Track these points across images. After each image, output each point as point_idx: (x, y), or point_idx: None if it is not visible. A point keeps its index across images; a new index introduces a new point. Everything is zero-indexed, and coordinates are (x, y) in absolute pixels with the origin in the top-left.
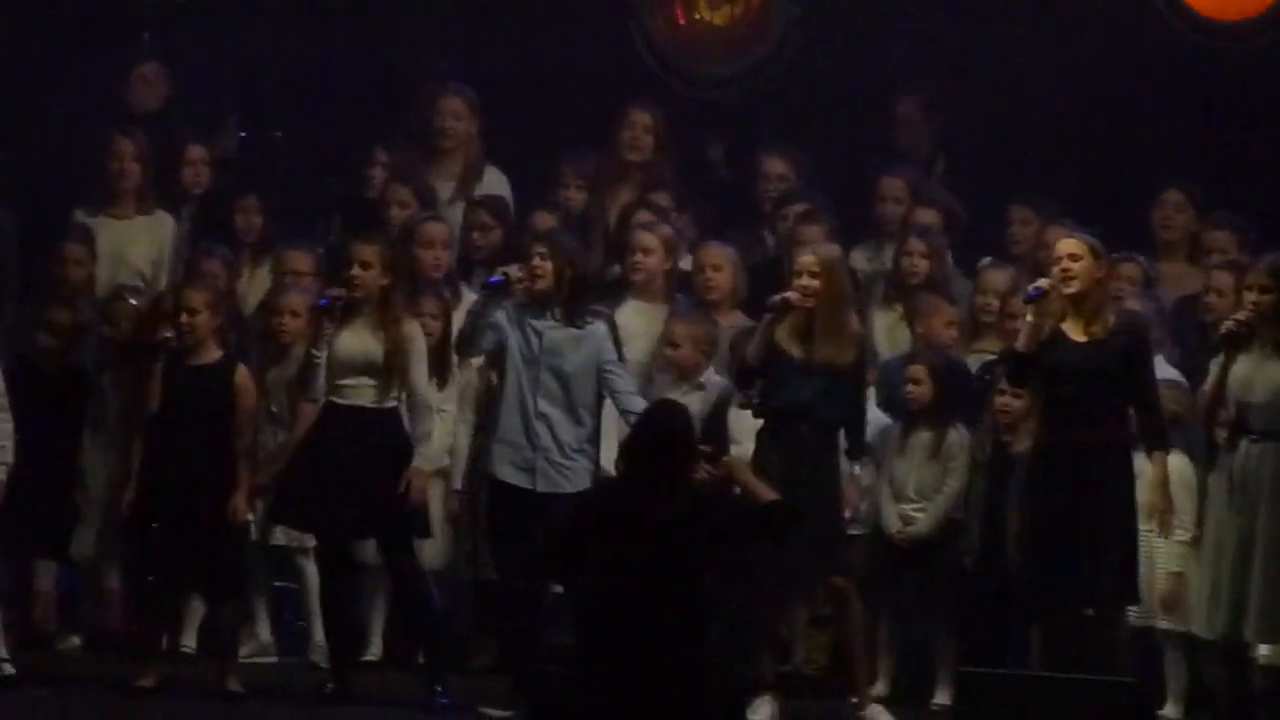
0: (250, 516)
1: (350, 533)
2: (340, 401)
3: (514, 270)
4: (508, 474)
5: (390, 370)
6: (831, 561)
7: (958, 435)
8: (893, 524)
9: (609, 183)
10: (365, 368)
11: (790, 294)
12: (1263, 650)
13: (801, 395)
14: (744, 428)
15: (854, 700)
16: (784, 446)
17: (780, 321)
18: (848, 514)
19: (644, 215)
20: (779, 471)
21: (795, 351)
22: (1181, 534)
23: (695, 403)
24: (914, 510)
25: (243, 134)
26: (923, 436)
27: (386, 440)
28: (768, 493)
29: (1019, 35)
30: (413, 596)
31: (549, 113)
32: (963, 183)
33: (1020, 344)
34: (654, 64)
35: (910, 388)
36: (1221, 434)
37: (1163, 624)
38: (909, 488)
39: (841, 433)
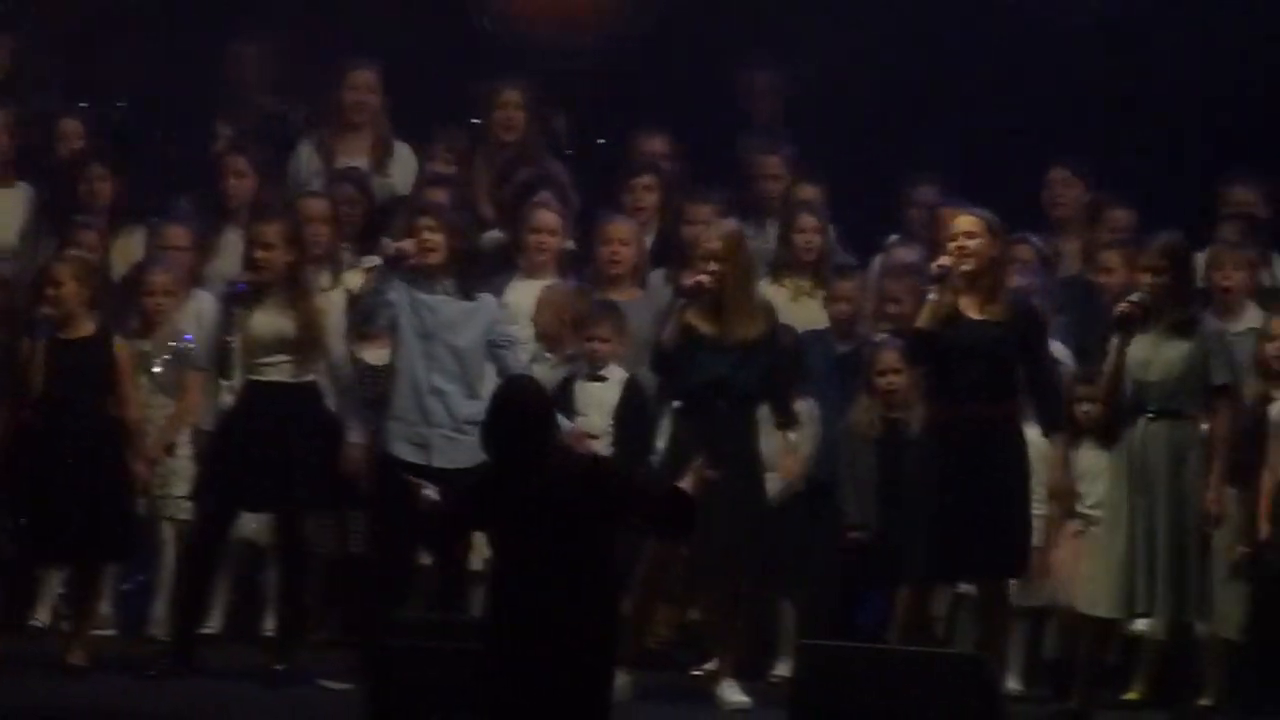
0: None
1: (262, 506)
2: (259, 379)
3: (408, 245)
4: (403, 451)
5: (305, 345)
6: (756, 536)
7: (805, 406)
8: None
9: (484, 159)
10: (280, 345)
11: (700, 278)
12: (1141, 624)
13: (718, 372)
14: (589, 400)
15: (701, 671)
16: (702, 425)
17: (691, 305)
18: (782, 486)
19: (543, 193)
20: (699, 450)
21: (706, 329)
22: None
23: (565, 373)
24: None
25: (83, 104)
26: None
27: (307, 414)
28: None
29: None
30: (295, 570)
31: (422, 88)
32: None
33: (921, 322)
34: (495, 32)
35: None
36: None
37: (1015, 599)
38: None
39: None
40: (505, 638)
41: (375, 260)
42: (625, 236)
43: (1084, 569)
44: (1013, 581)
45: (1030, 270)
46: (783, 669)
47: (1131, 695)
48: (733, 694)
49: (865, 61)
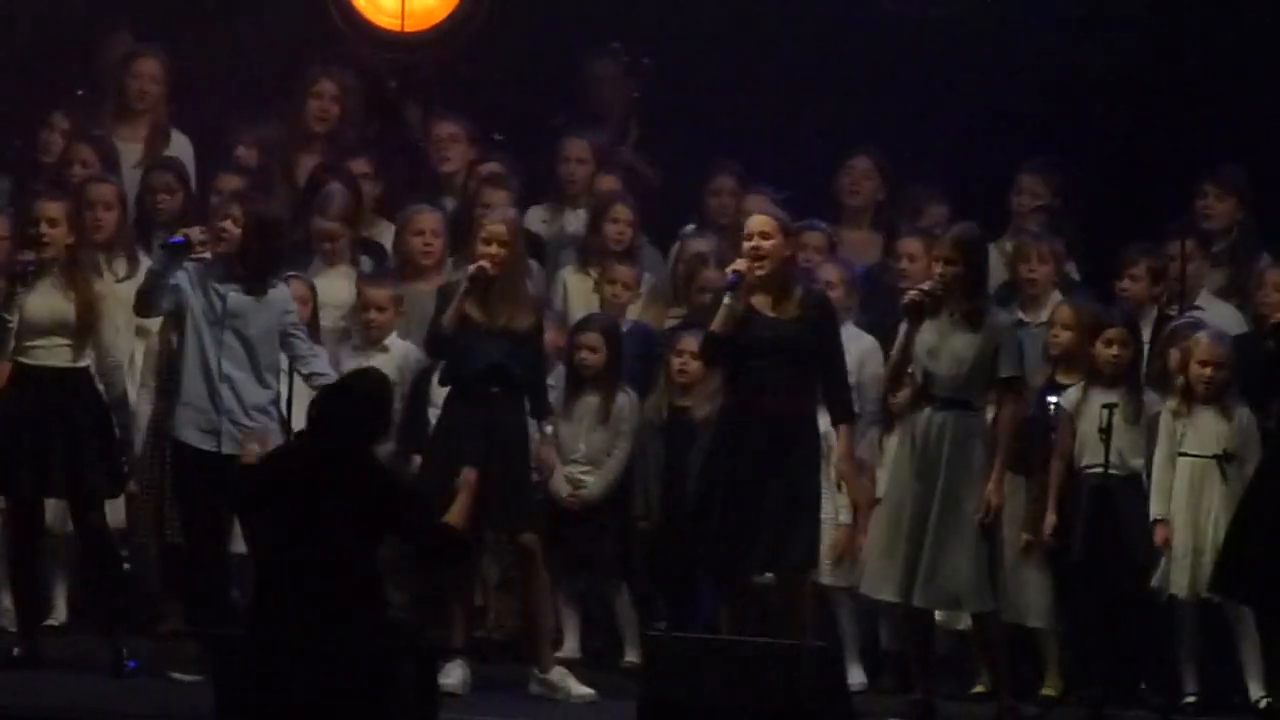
0: None
1: (47, 492)
2: (30, 363)
3: (195, 232)
4: (192, 437)
5: (82, 329)
6: (522, 520)
7: (627, 399)
8: (562, 488)
9: (297, 147)
10: (56, 327)
11: (483, 263)
12: (939, 615)
13: (492, 358)
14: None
15: (536, 661)
16: (476, 410)
17: (475, 291)
18: (539, 475)
19: (336, 184)
20: (471, 434)
21: (478, 316)
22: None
23: (385, 366)
24: (582, 474)
25: None
26: (590, 401)
27: (80, 400)
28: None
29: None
30: (100, 556)
31: (233, 75)
32: (660, 148)
33: (716, 326)
34: (344, 27)
35: (585, 354)
36: (901, 399)
37: (826, 580)
38: (578, 452)
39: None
40: (265, 626)
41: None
42: (436, 227)
43: (867, 553)
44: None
45: (834, 261)
46: (632, 655)
47: (979, 688)
48: (575, 685)
49: (678, 49)
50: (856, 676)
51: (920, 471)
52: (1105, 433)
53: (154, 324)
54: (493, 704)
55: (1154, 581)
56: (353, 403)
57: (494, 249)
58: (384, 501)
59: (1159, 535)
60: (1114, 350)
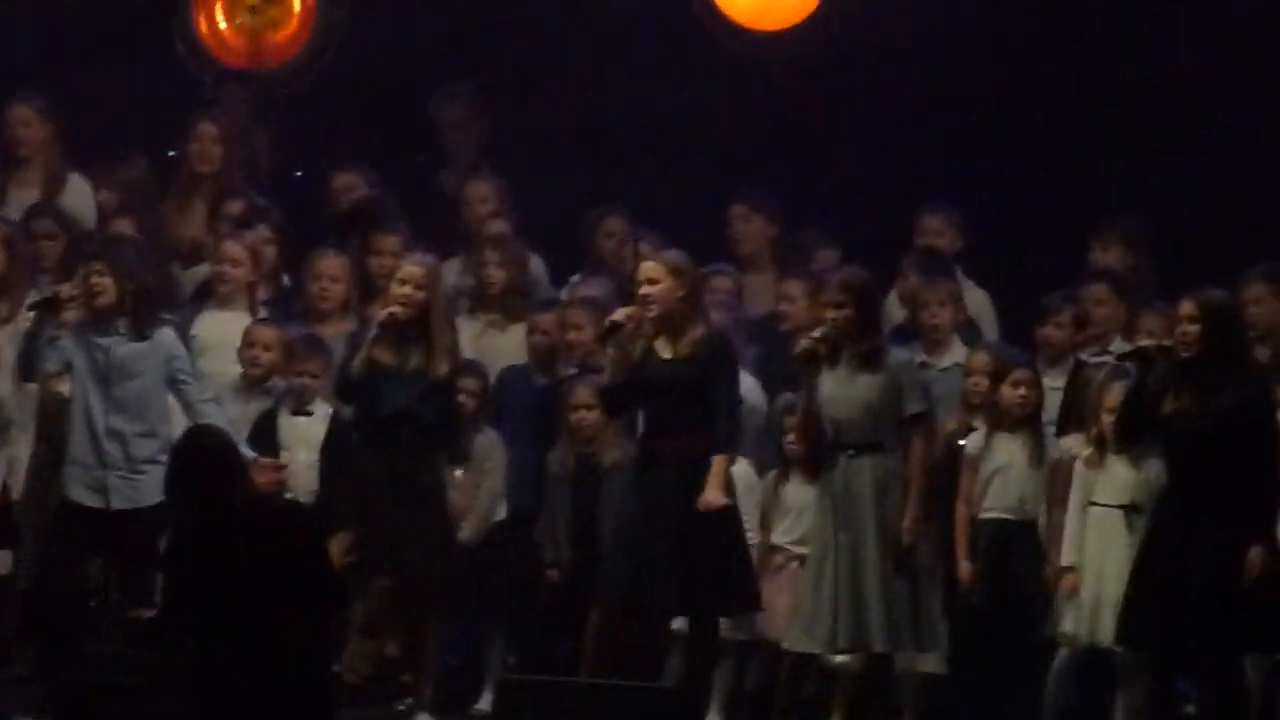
0: None
1: None
2: None
3: (66, 288)
4: (80, 495)
5: None
6: (444, 562)
7: (489, 438)
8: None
9: (184, 192)
10: None
11: (394, 309)
12: (839, 657)
13: (400, 402)
14: (295, 434)
15: (403, 706)
16: (387, 455)
17: (380, 336)
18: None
19: (226, 227)
20: (383, 480)
21: (388, 360)
22: (751, 536)
23: (314, 425)
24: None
25: None
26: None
27: None
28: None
29: (580, 37)
30: None
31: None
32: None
33: (606, 378)
34: (193, 65)
35: (465, 397)
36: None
37: (725, 632)
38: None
39: None
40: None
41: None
42: (335, 272)
43: (791, 605)
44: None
45: (728, 304)
46: (485, 703)
47: None
48: None
49: (557, 93)
50: (715, 717)
51: (846, 520)
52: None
53: None
54: None
55: (1055, 628)
56: (192, 465)
57: (408, 290)
58: (283, 533)
59: (1067, 584)
60: (1021, 392)
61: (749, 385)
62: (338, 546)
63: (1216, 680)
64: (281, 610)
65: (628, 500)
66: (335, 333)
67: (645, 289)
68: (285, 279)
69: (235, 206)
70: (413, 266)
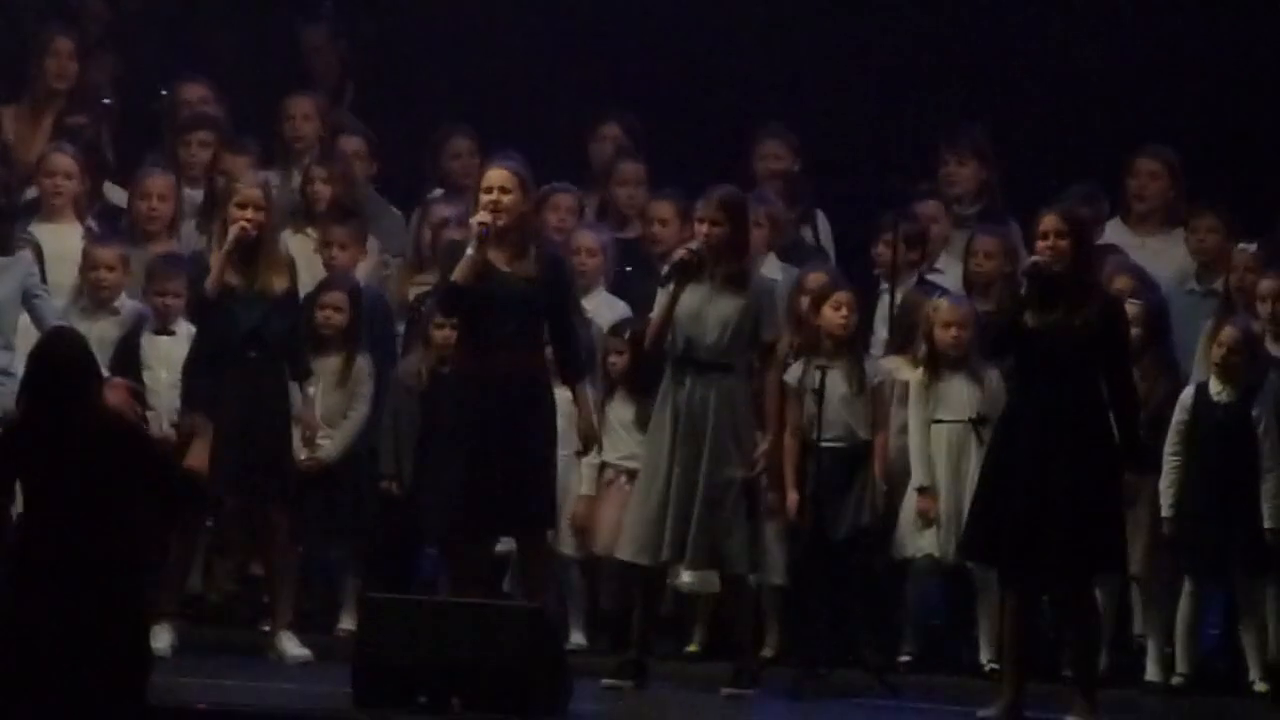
0: None
1: None
2: None
3: None
4: None
5: None
6: (274, 491)
7: (365, 362)
8: (299, 450)
9: (35, 106)
10: None
11: (244, 225)
12: (685, 577)
13: (250, 323)
14: (158, 354)
15: (266, 626)
16: (236, 375)
17: (233, 255)
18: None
19: (56, 142)
20: (233, 400)
21: (236, 281)
22: (593, 458)
23: (111, 329)
24: (320, 437)
25: None
26: (330, 363)
27: None
28: (200, 459)
29: None
30: None
31: None
32: (384, 111)
33: (458, 275)
34: None
35: (329, 314)
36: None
37: (566, 550)
38: (316, 414)
39: None
40: (27, 593)
41: None
42: (163, 190)
43: (624, 518)
44: (559, 533)
45: (595, 225)
46: (347, 622)
47: (692, 648)
48: (292, 647)
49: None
50: (577, 638)
51: (686, 437)
52: (819, 393)
53: None
54: (205, 666)
55: (913, 551)
56: (51, 364)
57: (249, 212)
58: (122, 451)
59: (924, 504)
60: (842, 314)
61: (622, 310)
62: (194, 460)
63: (1070, 599)
64: (101, 523)
65: (457, 424)
66: (161, 249)
67: (497, 196)
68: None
69: (77, 121)
70: (251, 187)
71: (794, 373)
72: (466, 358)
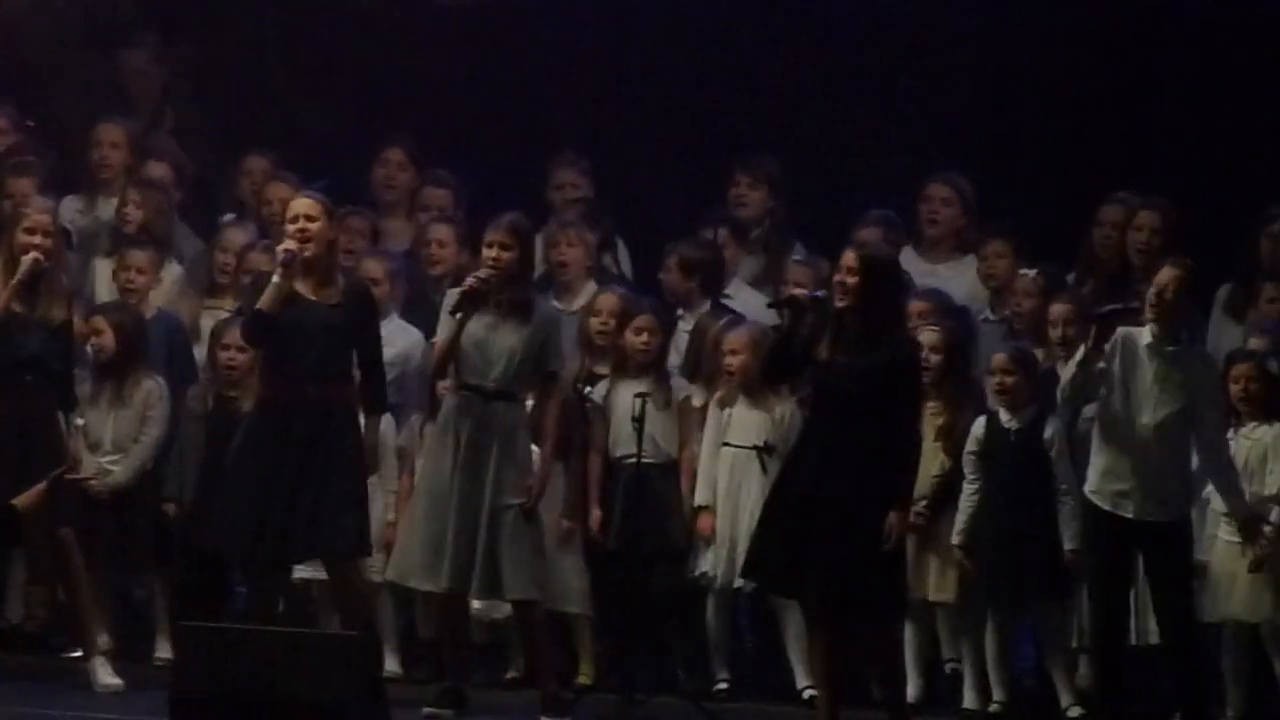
0: None
1: None
2: None
3: None
4: None
5: None
6: (59, 515)
7: (156, 385)
8: (91, 476)
9: None
10: None
11: (37, 255)
12: (475, 605)
13: (29, 349)
14: None
15: (79, 654)
16: (10, 400)
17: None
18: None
19: None
20: (6, 425)
21: (19, 307)
22: (391, 487)
23: None
24: (110, 462)
25: None
26: (110, 387)
27: None
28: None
29: None
30: None
31: None
32: (195, 135)
33: (264, 304)
34: None
35: (95, 339)
36: (443, 389)
37: (375, 576)
38: (105, 439)
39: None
40: None
41: None
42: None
43: (398, 540)
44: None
45: (376, 252)
46: (163, 650)
47: (512, 674)
48: (104, 675)
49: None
50: (392, 665)
51: (466, 464)
52: (638, 422)
53: None
54: (18, 694)
55: (695, 570)
56: None
57: (38, 239)
58: None
59: (703, 523)
60: (644, 338)
61: (415, 338)
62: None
63: (830, 630)
64: None
65: (256, 451)
66: None
67: (303, 224)
68: None
69: None
70: (42, 213)
71: (599, 391)
72: (271, 385)
